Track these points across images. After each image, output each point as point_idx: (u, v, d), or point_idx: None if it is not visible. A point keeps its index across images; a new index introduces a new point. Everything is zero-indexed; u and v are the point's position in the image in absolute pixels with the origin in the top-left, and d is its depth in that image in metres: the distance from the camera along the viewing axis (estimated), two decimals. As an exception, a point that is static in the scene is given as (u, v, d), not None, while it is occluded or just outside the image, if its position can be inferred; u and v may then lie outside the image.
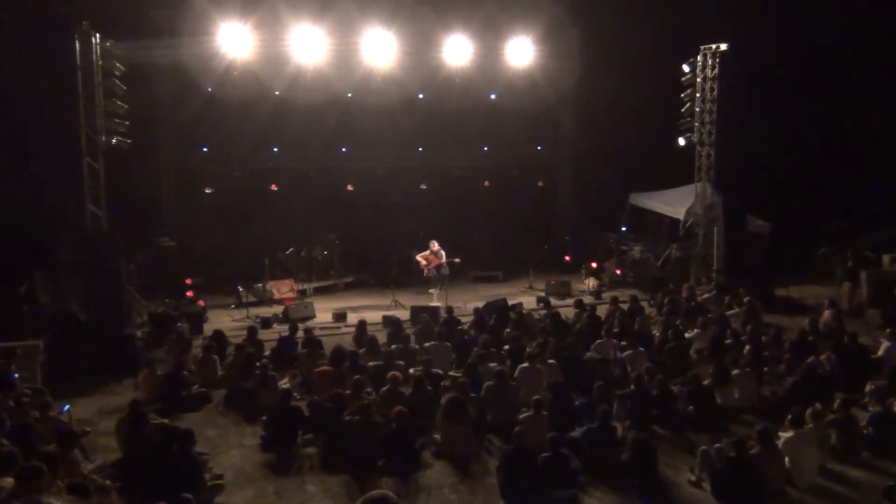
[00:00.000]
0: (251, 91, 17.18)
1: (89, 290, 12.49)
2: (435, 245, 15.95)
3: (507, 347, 11.08)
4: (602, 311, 13.89)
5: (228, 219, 19.19)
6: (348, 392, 8.93)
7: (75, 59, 12.92)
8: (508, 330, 12.28)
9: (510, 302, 14.22)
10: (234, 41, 15.17)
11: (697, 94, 16.31)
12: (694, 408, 9.31)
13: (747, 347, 10.69)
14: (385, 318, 14.02)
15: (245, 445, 8.89)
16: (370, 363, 10.46)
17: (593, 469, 7.86)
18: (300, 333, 12.02)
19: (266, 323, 14.36)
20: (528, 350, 10.51)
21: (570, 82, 19.44)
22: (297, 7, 15.48)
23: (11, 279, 13.04)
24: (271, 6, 15.36)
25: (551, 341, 10.81)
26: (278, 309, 15.45)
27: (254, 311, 15.54)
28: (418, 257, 16.17)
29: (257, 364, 10.33)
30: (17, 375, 9.59)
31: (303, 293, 17.28)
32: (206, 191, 19.83)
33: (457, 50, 16.47)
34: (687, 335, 11.66)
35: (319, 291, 17.86)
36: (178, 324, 13.04)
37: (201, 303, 15.42)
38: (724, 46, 15.88)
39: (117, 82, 13.58)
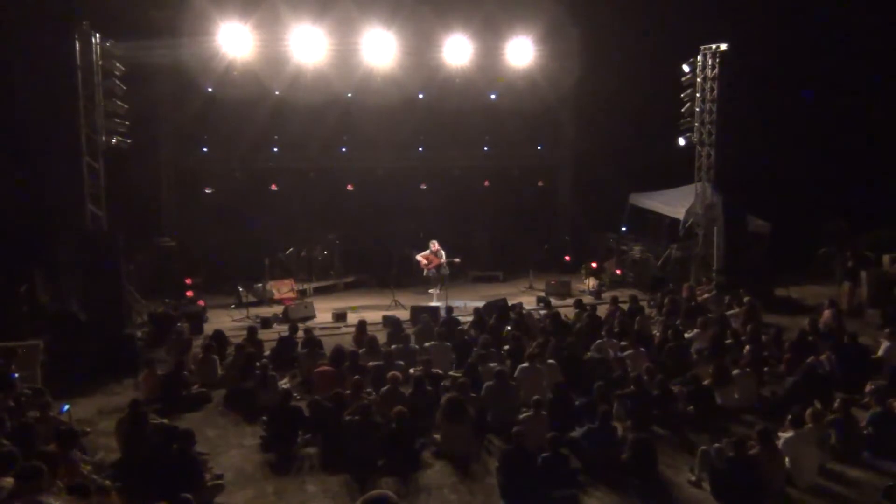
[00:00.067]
0: (251, 91, 17.20)
1: (89, 290, 12.49)
2: (435, 245, 15.95)
3: (507, 347, 11.07)
4: (602, 311, 13.90)
5: (228, 219, 19.20)
6: (348, 392, 8.93)
7: (75, 59, 12.92)
8: (509, 327, 12.30)
9: (510, 302, 14.22)
10: (234, 41, 15.18)
11: (697, 94, 16.31)
12: (694, 408, 9.31)
13: (747, 347, 10.69)
14: (385, 318, 14.02)
15: (245, 445, 8.89)
16: (370, 363, 10.47)
17: (593, 469, 7.87)
18: (300, 333, 12.02)
19: (266, 323, 14.36)
20: (528, 350, 10.50)
21: (570, 82, 19.46)
22: (297, 7, 15.49)
23: (11, 279, 13.04)
24: (271, 6, 15.37)
25: (551, 341, 10.81)
26: (278, 309, 15.45)
27: (254, 311, 15.54)
28: (418, 257, 16.18)
29: (257, 364, 10.33)
30: (17, 375, 9.58)
31: (303, 293, 17.28)
32: (206, 191, 19.84)
33: (457, 50, 16.48)
34: (687, 335, 11.66)
35: (319, 291, 17.86)
36: (178, 324, 13.04)
37: (201, 303, 15.43)
38: (724, 46, 15.88)
39: (117, 82, 13.59)
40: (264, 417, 9.00)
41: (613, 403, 8.93)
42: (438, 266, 15.84)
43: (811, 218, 18.67)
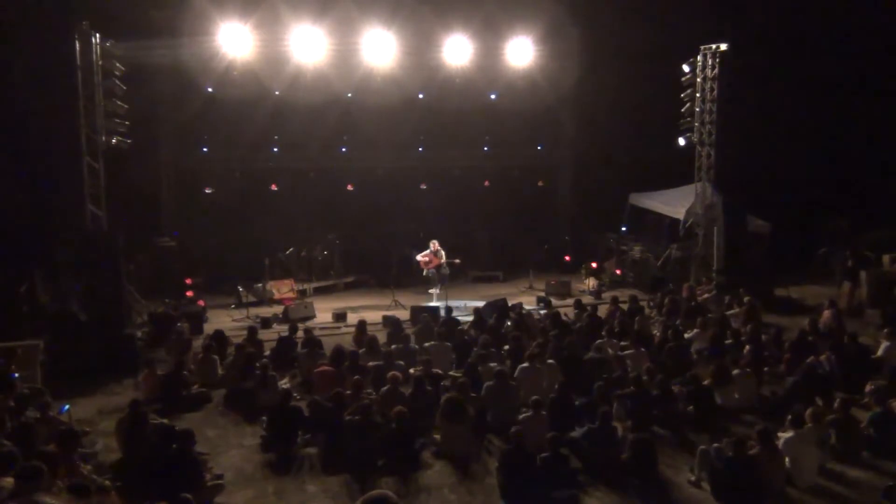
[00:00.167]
0: (251, 91, 17.20)
1: (89, 290, 12.49)
2: (435, 245, 15.96)
3: (507, 347, 11.07)
4: (602, 311, 13.89)
5: (228, 219, 19.20)
6: (348, 392, 8.93)
7: (75, 59, 12.92)
8: (508, 324, 12.28)
9: (510, 302, 14.22)
10: (234, 41, 15.18)
11: (697, 94, 16.31)
12: (694, 408, 9.31)
13: (747, 347, 10.68)
14: (385, 318, 14.02)
15: (245, 445, 8.88)
16: (370, 363, 10.46)
17: (593, 469, 7.86)
18: (300, 333, 12.02)
19: (266, 323, 14.36)
20: (528, 350, 10.50)
21: (570, 82, 19.45)
22: (297, 7, 15.48)
23: (11, 279, 13.04)
24: (271, 6, 15.36)
25: (551, 341, 10.81)
26: (278, 309, 15.45)
27: (254, 311, 15.55)
28: (418, 257, 16.18)
29: (257, 364, 10.32)
30: (17, 375, 9.58)
31: (303, 293, 17.29)
32: (206, 191, 19.85)
33: (457, 50, 16.48)
34: (687, 335, 11.65)
35: (319, 291, 17.86)
36: (178, 324, 13.05)
37: (201, 303, 15.44)
38: (724, 46, 15.88)
39: (117, 82, 13.59)
40: (264, 417, 9.00)
41: (613, 403, 8.93)
42: (438, 266, 15.85)
43: (811, 218, 18.68)
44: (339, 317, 14.83)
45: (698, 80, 16.24)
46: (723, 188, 16.59)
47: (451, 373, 10.30)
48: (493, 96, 19.95)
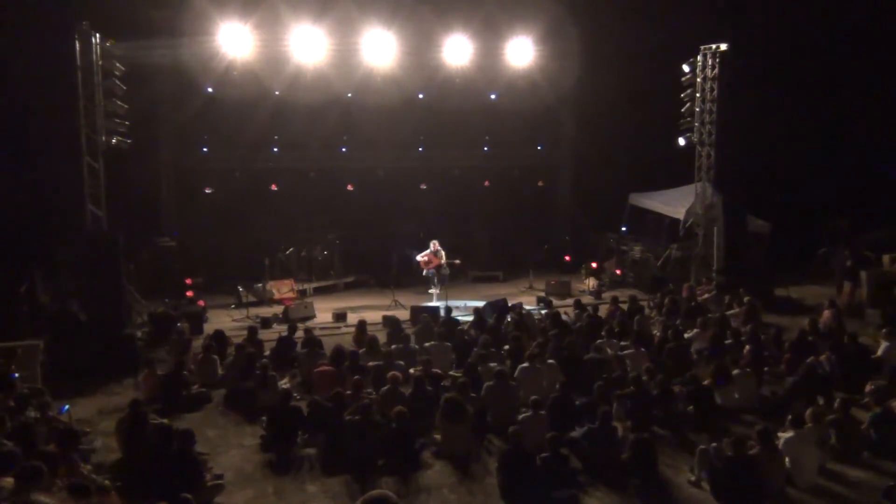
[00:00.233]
0: (251, 91, 17.19)
1: (89, 290, 12.49)
2: (435, 245, 15.96)
3: (507, 347, 11.07)
4: (602, 311, 13.89)
5: (228, 219, 19.19)
6: (348, 392, 8.93)
7: (75, 59, 12.91)
8: (508, 320, 12.27)
9: (510, 302, 14.22)
10: (234, 41, 15.18)
11: (697, 94, 16.31)
12: (694, 408, 9.31)
13: (747, 347, 10.68)
14: (385, 318, 14.02)
15: (245, 445, 8.89)
16: (370, 363, 10.46)
17: (593, 469, 7.86)
18: (300, 333, 12.02)
19: (266, 323, 14.36)
20: (528, 350, 10.50)
21: (570, 82, 19.43)
22: (297, 7, 15.48)
23: (11, 279, 13.04)
24: (271, 6, 15.35)
25: (551, 341, 10.81)
26: (278, 309, 15.45)
27: (254, 311, 15.55)
28: (418, 257, 16.18)
29: (257, 364, 10.33)
30: (17, 375, 9.59)
31: (303, 293, 17.29)
32: (206, 191, 19.84)
33: (457, 50, 16.47)
34: (687, 335, 11.65)
35: (319, 291, 17.86)
36: (178, 324, 13.05)
37: (201, 303, 15.44)
38: (724, 46, 15.88)
39: (117, 82, 13.59)
40: (264, 417, 9.00)
41: (613, 403, 8.93)
42: (438, 266, 15.85)
43: (811, 218, 18.67)
44: (339, 317, 14.83)
45: (698, 80, 16.24)
46: (723, 188, 16.58)
47: (451, 373, 10.31)
48: (493, 96, 19.94)
